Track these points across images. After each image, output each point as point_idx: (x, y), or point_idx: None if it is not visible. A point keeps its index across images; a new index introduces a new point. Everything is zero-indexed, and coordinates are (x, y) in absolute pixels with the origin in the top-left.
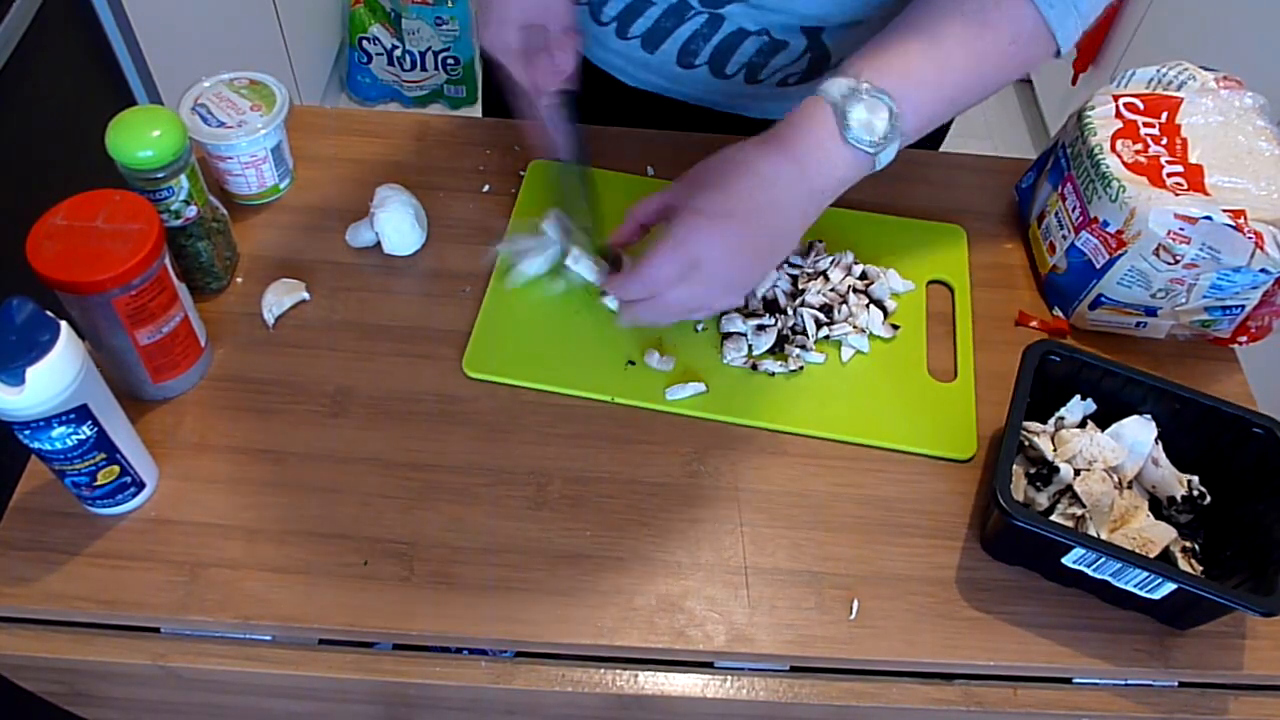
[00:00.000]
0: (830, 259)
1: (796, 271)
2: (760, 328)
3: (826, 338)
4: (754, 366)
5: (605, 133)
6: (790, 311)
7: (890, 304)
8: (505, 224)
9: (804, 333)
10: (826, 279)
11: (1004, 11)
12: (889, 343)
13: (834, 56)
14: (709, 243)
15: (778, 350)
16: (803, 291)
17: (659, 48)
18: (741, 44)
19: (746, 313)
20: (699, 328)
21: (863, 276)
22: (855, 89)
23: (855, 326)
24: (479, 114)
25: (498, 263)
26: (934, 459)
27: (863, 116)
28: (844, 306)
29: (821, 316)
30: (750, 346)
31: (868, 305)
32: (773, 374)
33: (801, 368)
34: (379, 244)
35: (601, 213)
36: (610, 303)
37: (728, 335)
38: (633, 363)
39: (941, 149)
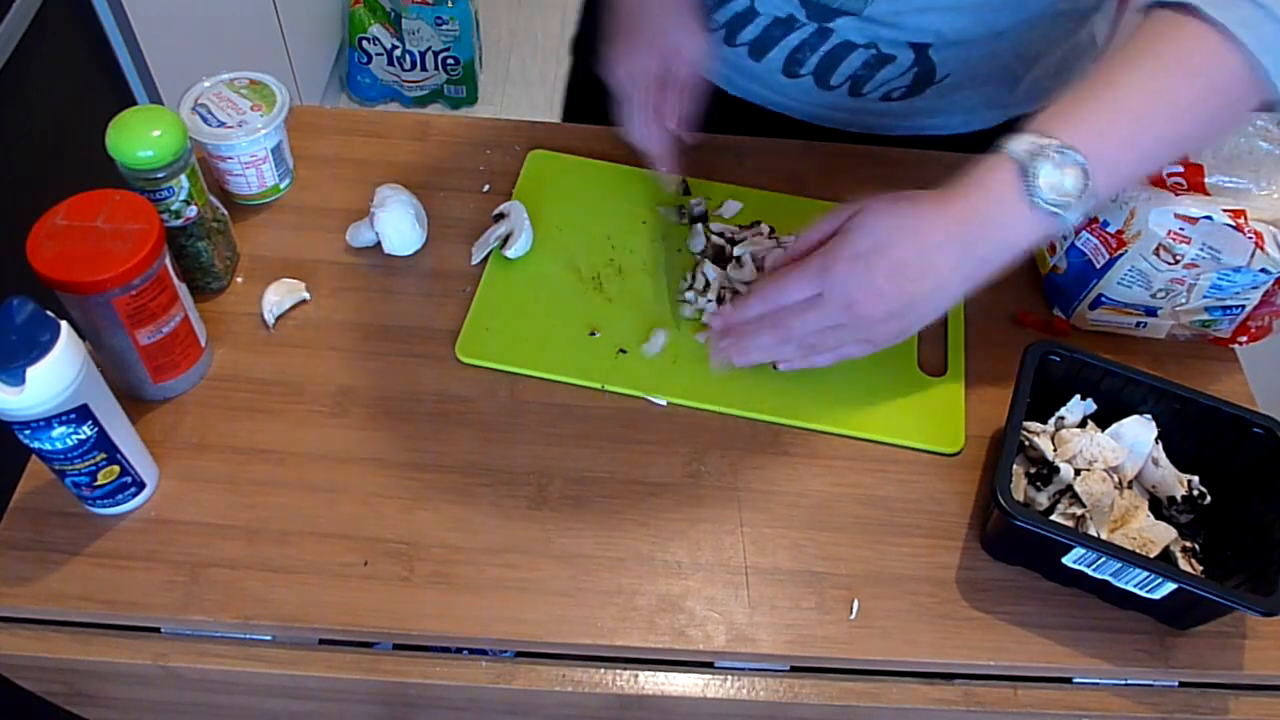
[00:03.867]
0: None
1: None
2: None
3: None
4: None
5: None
6: None
7: None
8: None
9: None
10: None
11: (1204, 59)
12: None
13: (939, 72)
14: (845, 284)
15: None
16: None
17: (766, 55)
18: (848, 56)
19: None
20: (683, 296)
21: None
22: (1044, 145)
23: None
24: (479, 114)
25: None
26: (929, 455)
27: (1054, 176)
28: None
29: None
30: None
31: None
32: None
33: None
34: (379, 244)
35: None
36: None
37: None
38: (624, 351)
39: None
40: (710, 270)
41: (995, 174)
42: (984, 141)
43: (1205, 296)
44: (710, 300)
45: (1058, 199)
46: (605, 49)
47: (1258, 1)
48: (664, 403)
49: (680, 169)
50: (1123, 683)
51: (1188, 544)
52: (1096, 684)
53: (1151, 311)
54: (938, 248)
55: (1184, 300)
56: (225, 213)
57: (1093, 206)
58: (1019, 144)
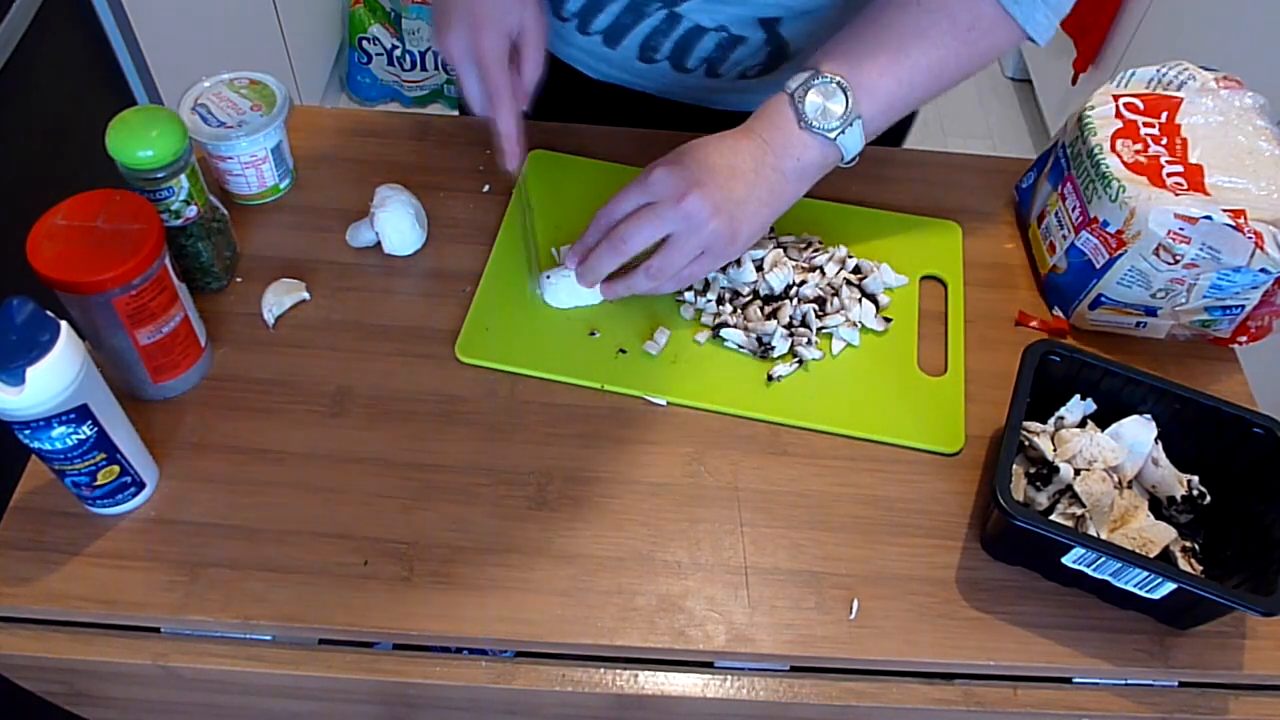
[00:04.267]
0: (826, 254)
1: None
2: (770, 317)
3: (819, 329)
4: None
5: (571, 128)
6: (792, 303)
7: (883, 298)
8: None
9: (806, 325)
10: (822, 273)
11: (961, 1)
12: (880, 336)
13: (792, 48)
14: (665, 183)
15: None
16: (800, 284)
17: (620, 43)
18: (700, 39)
19: (741, 312)
20: (682, 296)
21: (856, 270)
22: (811, 78)
23: (848, 320)
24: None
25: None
26: (929, 455)
27: (817, 102)
28: (836, 299)
29: (815, 309)
30: (759, 339)
31: (860, 299)
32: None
33: (802, 363)
34: (379, 244)
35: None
36: (548, 294)
37: (719, 327)
38: (624, 351)
39: (941, 149)
40: None
41: (774, 105)
42: None
43: (1205, 296)
44: (710, 300)
45: (824, 122)
46: (440, 26)
47: None
48: (664, 403)
49: (524, 152)
50: (1123, 683)
51: (1188, 544)
52: (1096, 684)
53: (1151, 311)
54: (734, 152)
55: (1184, 300)
56: (225, 213)
57: (869, 130)
58: (794, 79)
